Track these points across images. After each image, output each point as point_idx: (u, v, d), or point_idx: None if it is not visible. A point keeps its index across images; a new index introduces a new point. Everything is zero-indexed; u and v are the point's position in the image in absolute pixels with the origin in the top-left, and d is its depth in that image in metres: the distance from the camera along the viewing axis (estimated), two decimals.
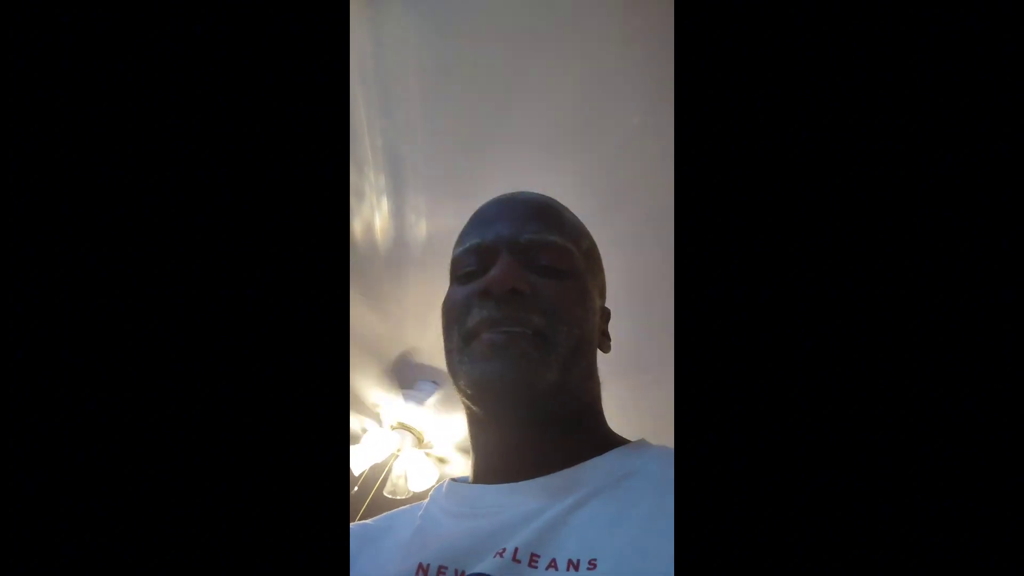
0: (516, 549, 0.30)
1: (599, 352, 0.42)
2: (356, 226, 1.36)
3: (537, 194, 0.43)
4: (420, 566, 0.31)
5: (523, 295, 0.35)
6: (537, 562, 0.29)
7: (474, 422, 0.40)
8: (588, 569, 0.28)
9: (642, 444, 0.38)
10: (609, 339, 0.44)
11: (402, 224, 1.34)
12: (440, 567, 0.31)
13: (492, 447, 0.39)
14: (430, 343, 1.63)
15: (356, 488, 1.80)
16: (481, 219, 0.41)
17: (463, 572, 0.30)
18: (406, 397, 1.75)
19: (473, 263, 0.39)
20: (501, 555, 0.30)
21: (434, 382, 1.77)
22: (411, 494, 1.72)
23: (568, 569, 0.28)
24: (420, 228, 1.34)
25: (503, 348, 0.34)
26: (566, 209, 0.43)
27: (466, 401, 0.38)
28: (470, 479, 0.40)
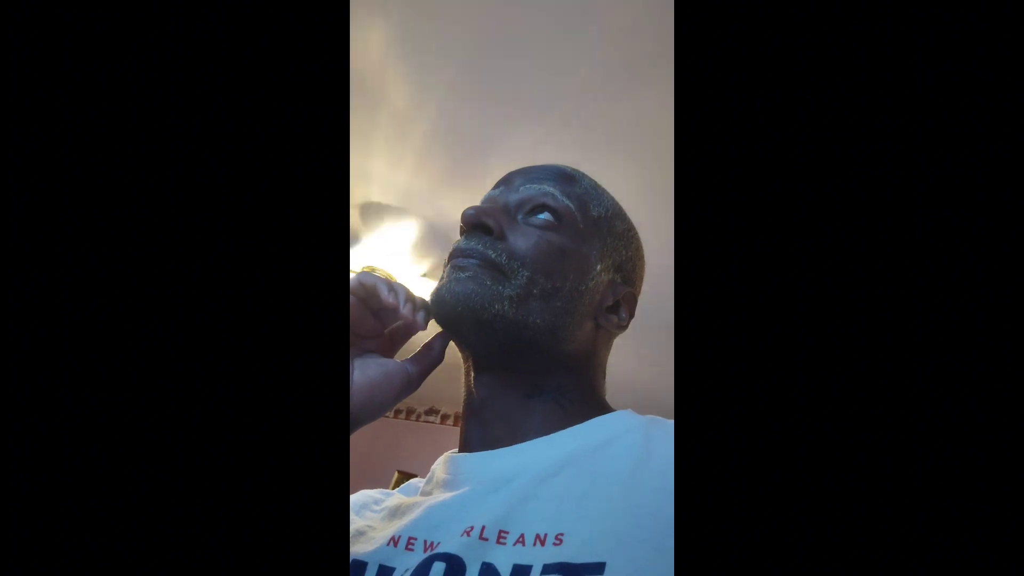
0: (483, 527, 0.29)
1: (609, 329, 0.40)
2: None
3: (565, 165, 0.42)
4: (392, 538, 0.32)
5: (490, 231, 0.36)
6: (505, 538, 0.29)
7: (465, 386, 0.39)
8: (555, 544, 0.27)
9: (626, 414, 0.36)
10: (619, 318, 0.40)
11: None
12: (410, 538, 0.31)
13: (476, 412, 0.38)
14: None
15: None
16: (503, 179, 0.42)
17: (433, 543, 0.30)
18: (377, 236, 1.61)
19: None
20: (468, 533, 0.29)
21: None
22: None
23: (535, 544, 0.27)
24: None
25: (460, 271, 0.35)
26: (588, 178, 0.41)
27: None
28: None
